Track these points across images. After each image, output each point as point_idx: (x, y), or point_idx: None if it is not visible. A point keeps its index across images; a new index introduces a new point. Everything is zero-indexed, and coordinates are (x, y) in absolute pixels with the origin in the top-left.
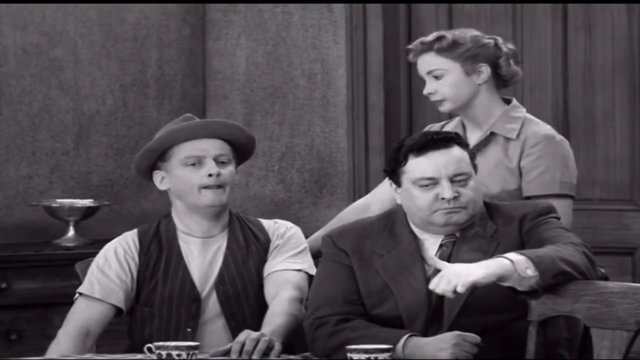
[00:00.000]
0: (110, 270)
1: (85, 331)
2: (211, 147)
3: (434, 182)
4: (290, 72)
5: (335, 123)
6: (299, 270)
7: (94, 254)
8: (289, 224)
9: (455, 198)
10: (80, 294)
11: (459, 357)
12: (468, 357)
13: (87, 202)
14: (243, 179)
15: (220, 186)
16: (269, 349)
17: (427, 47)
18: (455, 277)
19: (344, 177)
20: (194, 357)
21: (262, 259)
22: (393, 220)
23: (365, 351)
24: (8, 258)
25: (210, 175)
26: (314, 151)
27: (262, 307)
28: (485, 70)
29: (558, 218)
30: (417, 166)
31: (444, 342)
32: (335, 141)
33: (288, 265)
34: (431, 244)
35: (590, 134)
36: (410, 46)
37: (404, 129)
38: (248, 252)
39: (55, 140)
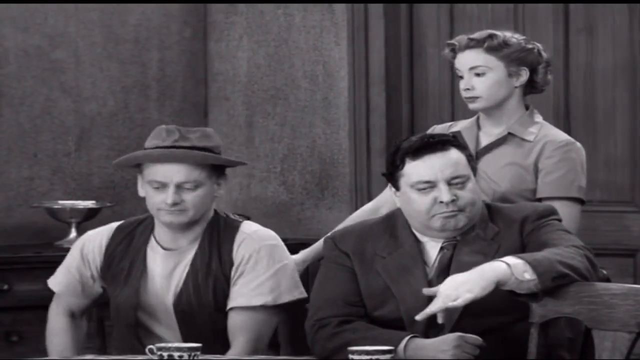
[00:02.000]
0: (73, 265)
1: (69, 311)
2: (176, 173)
3: (431, 185)
4: (292, 73)
5: (336, 125)
6: (261, 306)
7: None
8: (262, 242)
9: (453, 201)
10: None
11: (460, 359)
12: (469, 358)
13: (89, 204)
14: (244, 180)
15: (180, 210)
16: None
17: (476, 44)
18: (452, 295)
19: (345, 178)
20: (195, 358)
21: (221, 282)
22: (394, 222)
23: (367, 352)
24: (9, 259)
25: (166, 203)
26: (315, 153)
27: (219, 329)
28: (525, 74)
29: (559, 220)
30: (414, 170)
31: (446, 343)
32: (336, 143)
33: (250, 300)
34: (432, 247)
35: (591, 136)
36: (453, 41)
37: (406, 131)
38: (209, 271)
39: (56, 142)
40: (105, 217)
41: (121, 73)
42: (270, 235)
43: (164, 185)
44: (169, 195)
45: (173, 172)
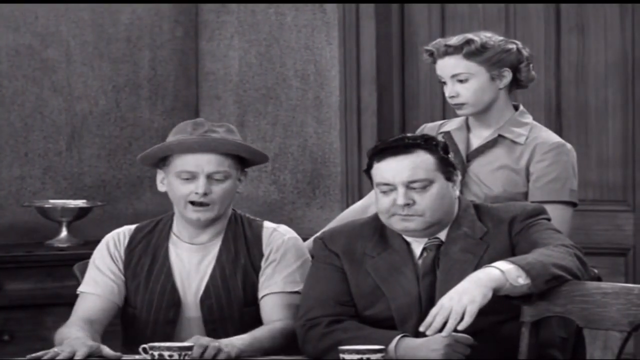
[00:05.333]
0: (104, 265)
1: (89, 321)
2: (207, 163)
3: (391, 187)
4: (283, 72)
5: (328, 124)
6: (295, 292)
7: (86, 255)
8: (288, 234)
9: (408, 205)
10: (81, 292)
11: (451, 358)
12: (460, 357)
13: (80, 203)
14: None
15: (207, 203)
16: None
17: (454, 50)
18: (455, 312)
19: (336, 178)
20: (186, 358)
21: (250, 275)
22: (383, 222)
23: (358, 352)
24: (0, 259)
25: (196, 193)
26: (306, 152)
27: (246, 324)
28: (508, 75)
29: (548, 219)
30: (377, 171)
31: (437, 342)
32: (328, 142)
33: (284, 287)
34: (416, 247)
35: (582, 135)
36: (430, 47)
37: (397, 130)
38: (236, 266)
39: (47, 141)
40: (96, 216)
41: (112, 72)
42: (293, 231)
43: (194, 176)
44: (199, 185)
45: (204, 162)
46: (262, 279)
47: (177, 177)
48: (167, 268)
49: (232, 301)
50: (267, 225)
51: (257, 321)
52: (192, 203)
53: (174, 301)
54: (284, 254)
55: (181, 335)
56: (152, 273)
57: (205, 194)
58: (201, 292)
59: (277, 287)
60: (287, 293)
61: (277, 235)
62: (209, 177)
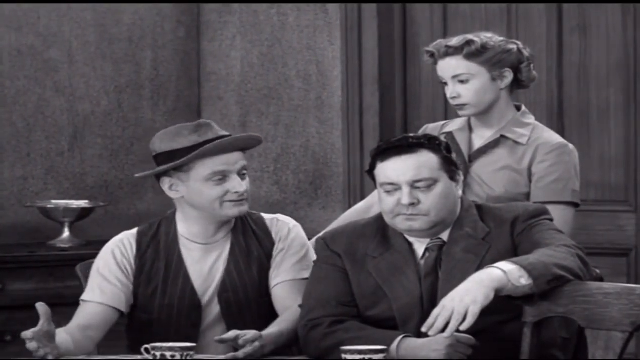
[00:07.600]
0: (110, 273)
1: (83, 328)
2: (235, 161)
3: (395, 187)
4: (286, 73)
5: (330, 124)
6: (307, 279)
7: (88, 255)
8: (291, 223)
9: (413, 204)
10: (83, 300)
11: (453, 359)
12: (462, 358)
13: (82, 204)
14: None
15: (244, 198)
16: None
17: (455, 51)
18: (458, 313)
19: (339, 178)
20: (188, 358)
21: (265, 265)
22: (385, 223)
23: (360, 352)
24: (2, 259)
25: (236, 192)
26: (309, 152)
27: (263, 314)
28: (509, 76)
29: (551, 220)
30: (381, 171)
31: (438, 343)
32: (330, 142)
33: (296, 275)
34: (418, 247)
35: (584, 135)
36: (430, 48)
37: (399, 130)
38: (250, 258)
39: (50, 142)
40: (98, 216)
41: (115, 72)
42: (291, 219)
43: (225, 176)
44: (236, 185)
45: (232, 161)
46: (273, 267)
47: (208, 181)
48: (184, 272)
49: (248, 292)
50: (266, 216)
51: (273, 311)
52: (230, 201)
53: (195, 304)
54: (292, 242)
55: (205, 336)
56: (168, 277)
57: (245, 192)
58: (218, 287)
59: (289, 274)
60: (300, 280)
61: (282, 224)
62: (239, 174)
